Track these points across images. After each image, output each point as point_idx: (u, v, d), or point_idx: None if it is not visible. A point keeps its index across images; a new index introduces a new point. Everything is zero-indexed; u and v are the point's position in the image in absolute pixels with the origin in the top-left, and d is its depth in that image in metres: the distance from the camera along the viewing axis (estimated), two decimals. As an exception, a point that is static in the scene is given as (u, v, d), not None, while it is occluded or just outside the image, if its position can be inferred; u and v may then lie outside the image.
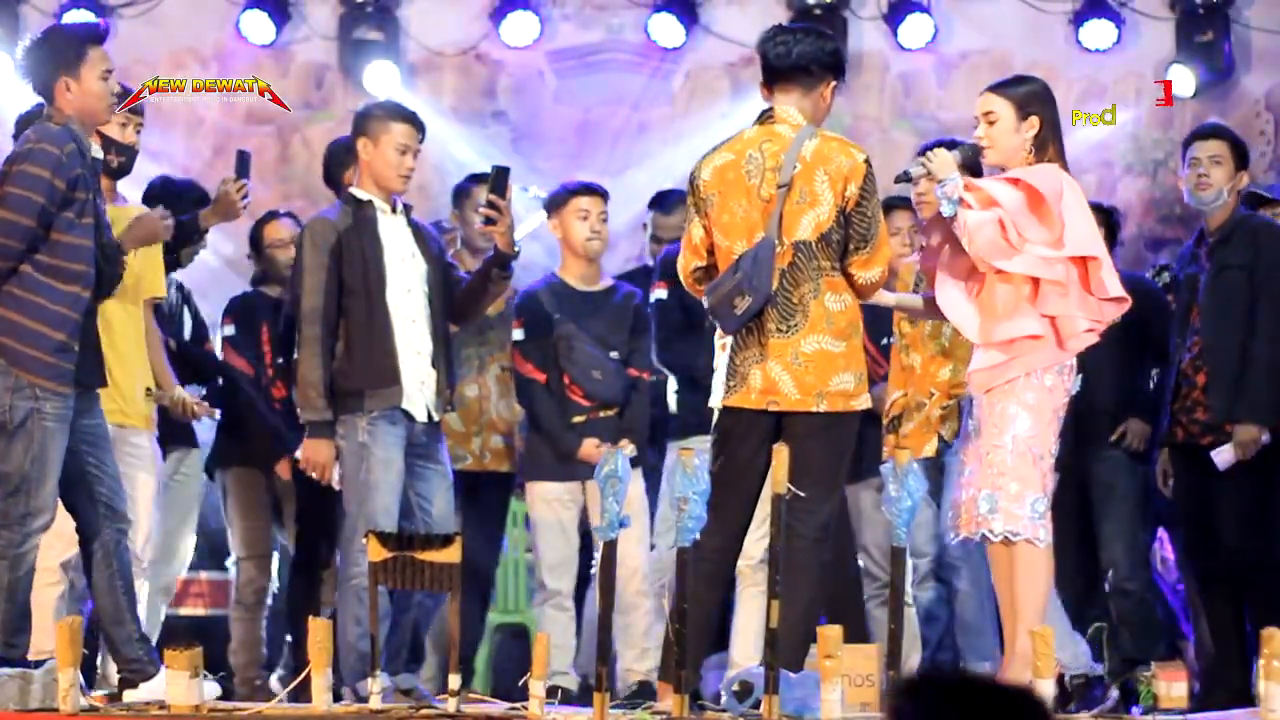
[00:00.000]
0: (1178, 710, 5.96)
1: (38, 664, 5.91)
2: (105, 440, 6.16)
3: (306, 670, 5.84)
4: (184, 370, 7.43)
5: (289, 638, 7.98)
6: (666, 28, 10.16)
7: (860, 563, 7.69)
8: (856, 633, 6.85)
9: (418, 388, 6.80)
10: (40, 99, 6.16)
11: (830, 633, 5.45)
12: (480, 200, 7.89)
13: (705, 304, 6.11)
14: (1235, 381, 7.17)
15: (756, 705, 5.72)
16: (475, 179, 8.08)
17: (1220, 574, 7.29)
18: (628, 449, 7.25)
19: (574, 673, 7.53)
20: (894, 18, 10.10)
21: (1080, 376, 6.12)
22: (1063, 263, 5.97)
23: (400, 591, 6.75)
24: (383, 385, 6.74)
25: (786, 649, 5.68)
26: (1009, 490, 5.94)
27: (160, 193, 7.57)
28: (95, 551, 6.11)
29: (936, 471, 6.91)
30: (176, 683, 5.72)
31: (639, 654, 7.43)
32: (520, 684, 5.73)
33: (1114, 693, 7.07)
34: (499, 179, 7.02)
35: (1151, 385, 7.65)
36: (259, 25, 10.08)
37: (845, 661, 5.58)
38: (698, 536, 5.57)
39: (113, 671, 6.33)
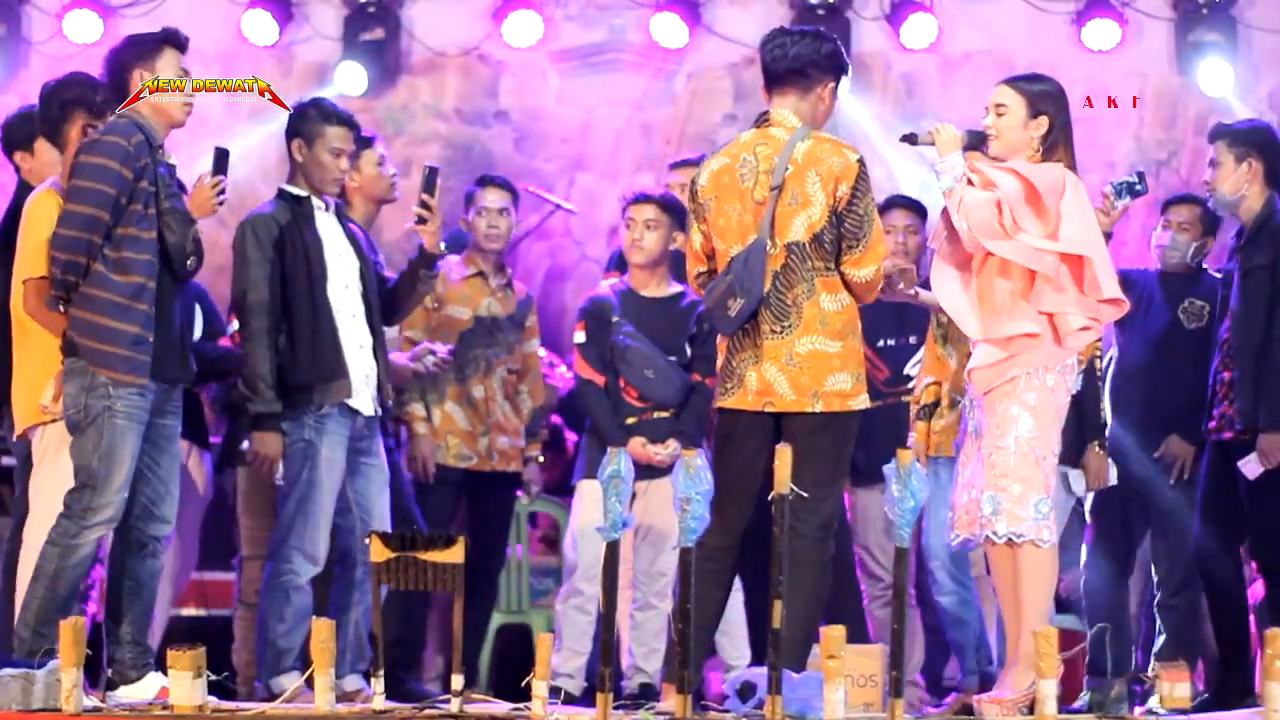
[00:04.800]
0: (1180, 710, 5.96)
1: (40, 664, 5.92)
2: (169, 443, 6.28)
3: (309, 670, 5.84)
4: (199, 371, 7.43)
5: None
6: (669, 28, 10.15)
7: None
8: (855, 633, 6.83)
9: (363, 381, 6.82)
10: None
11: (833, 633, 5.45)
12: (483, 203, 7.90)
13: (704, 306, 6.15)
14: (1255, 386, 7.03)
15: (759, 706, 5.72)
16: (482, 181, 8.06)
17: (1228, 575, 7.24)
18: (671, 447, 7.26)
19: (580, 677, 7.51)
20: (896, 18, 10.09)
21: (1080, 375, 6.11)
22: (1054, 257, 5.96)
23: (339, 588, 6.77)
24: (331, 379, 6.74)
25: (789, 648, 5.68)
26: (1012, 492, 5.94)
27: None
28: (119, 546, 6.21)
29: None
30: (179, 683, 5.72)
31: (647, 653, 7.43)
32: (523, 684, 5.73)
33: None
34: (429, 179, 7.07)
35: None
36: (262, 25, 10.07)
37: (848, 662, 5.57)
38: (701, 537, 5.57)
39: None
